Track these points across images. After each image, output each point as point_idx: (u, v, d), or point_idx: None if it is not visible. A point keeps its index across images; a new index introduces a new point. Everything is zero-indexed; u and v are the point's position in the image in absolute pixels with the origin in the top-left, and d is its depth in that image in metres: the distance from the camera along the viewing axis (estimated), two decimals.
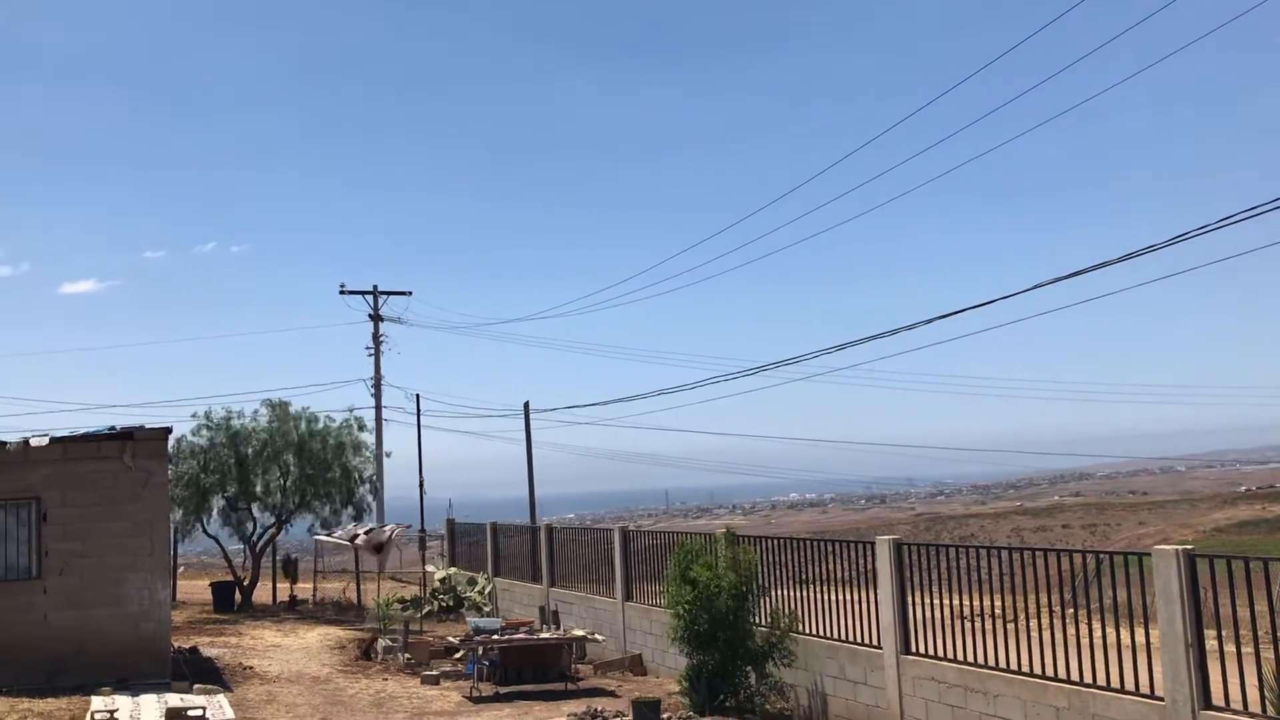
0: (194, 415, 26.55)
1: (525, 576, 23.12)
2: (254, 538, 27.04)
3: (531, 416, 40.06)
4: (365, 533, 23.38)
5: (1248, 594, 8.20)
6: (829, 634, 13.00)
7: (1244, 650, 8.25)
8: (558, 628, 17.32)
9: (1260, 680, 8.15)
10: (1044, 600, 10.21)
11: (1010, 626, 10.47)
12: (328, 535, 25.22)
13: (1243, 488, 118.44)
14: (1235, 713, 8.23)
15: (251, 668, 16.70)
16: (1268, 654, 8.25)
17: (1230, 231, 11.93)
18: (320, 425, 27.11)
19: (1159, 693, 8.80)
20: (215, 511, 26.35)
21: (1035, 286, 15.30)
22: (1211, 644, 8.60)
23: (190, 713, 12.12)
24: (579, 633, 16.83)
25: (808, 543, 14.36)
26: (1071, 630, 9.72)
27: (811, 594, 13.47)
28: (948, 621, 11.20)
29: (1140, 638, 9.06)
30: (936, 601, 11.49)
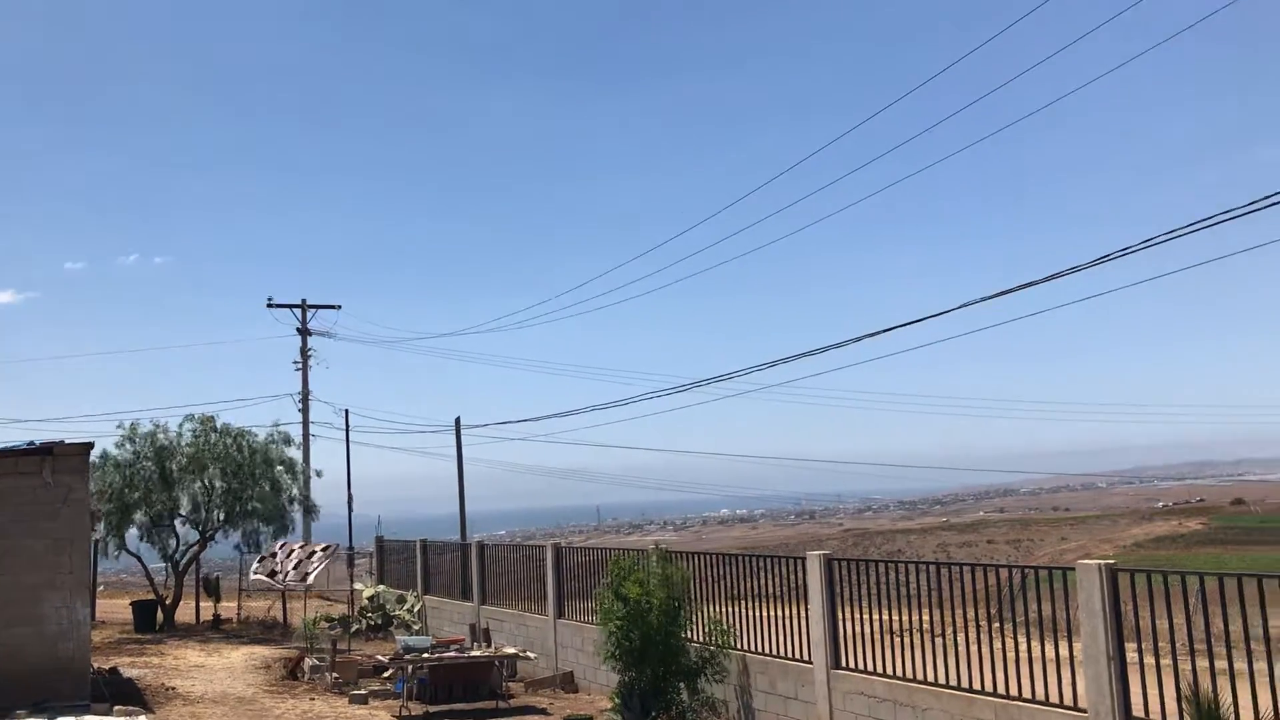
0: (118, 428, 25.93)
1: (456, 594, 22.92)
2: (177, 555, 26.44)
3: (463, 432, 39.81)
4: (294, 568, 22.95)
5: (1166, 608, 8.41)
6: (760, 649, 13.07)
7: (1163, 663, 8.46)
8: (489, 645, 17.18)
9: (1178, 692, 8.35)
10: (971, 614, 10.38)
11: (938, 641, 10.63)
12: (266, 571, 24.71)
13: (1160, 504, 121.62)
14: None
15: (174, 688, 16.32)
16: (1186, 666, 8.47)
17: (1152, 253, 12.27)
18: (248, 440, 26.62)
19: (1082, 705, 8.99)
20: (138, 528, 25.72)
21: (961, 306, 15.61)
22: (1132, 656, 8.81)
23: None
24: (510, 650, 16.72)
25: (739, 558, 14.45)
26: (997, 644, 9.89)
27: (743, 609, 13.54)
28: (877, 636, 11.34)
29: (1064, 651, 9.27)
30: (866, 616, 11.63)
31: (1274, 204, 10.18)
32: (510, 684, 16.50)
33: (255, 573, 24.62)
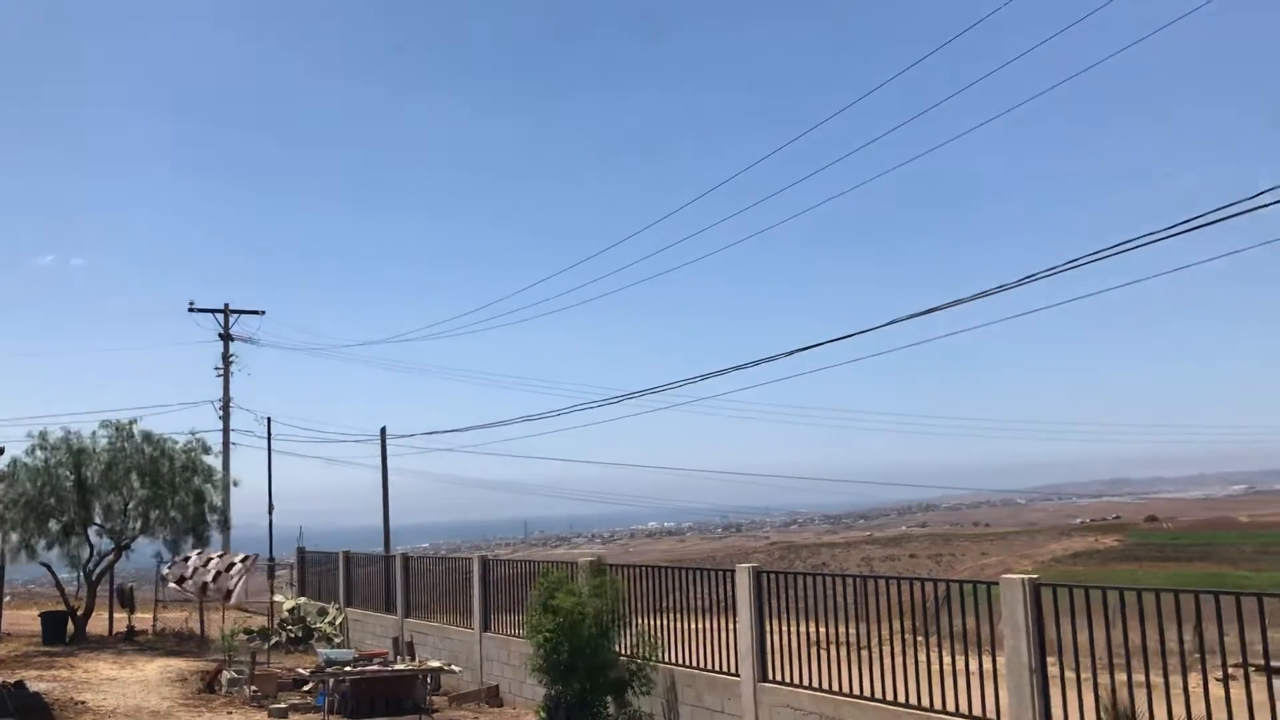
0: (29, 435, 25.16)
1: (379, 607, 22.59)
2: (90, 565, 25.69)
3: (388, 442, 39.35)
4: (213, 579, 22.44)
5: (1087, 622, 8.56)
6: (688, 662, 13.05)
7: (1083, 676, 8.61)
8: (413, 659, 16.95)
9: (1097, 704, 8.51)
10: (895, 627, 10.47)
11: (863, 654, 10.70)
12: (176, 578, 24.09)
13: (1078, 520, 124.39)
14: None
15: (84, 703, 15.82)
16: (1106, 679, 8.62)
17: (1072, 275, 12.53)
18: (167, 447, 25.99)
19: (1004, 717, 9.10)
20: (48, 536, 24.93)
21: (886, 324, 15.79)
22: (1053, 670, 8.95)
23: None
24: (434, 664, 16.50)
25: (670, 570, 14.42)
26: (921, 657, 9.98)
27: (672, 622, 13.51)
28: (804, 649, 11.39)
29: (987, 665, 9.38)
30: (793, 629, 11.67)
31: (1189, 230, 10.45)
32: (434, 698, 16.28)
33: (166, 577, 24.06)
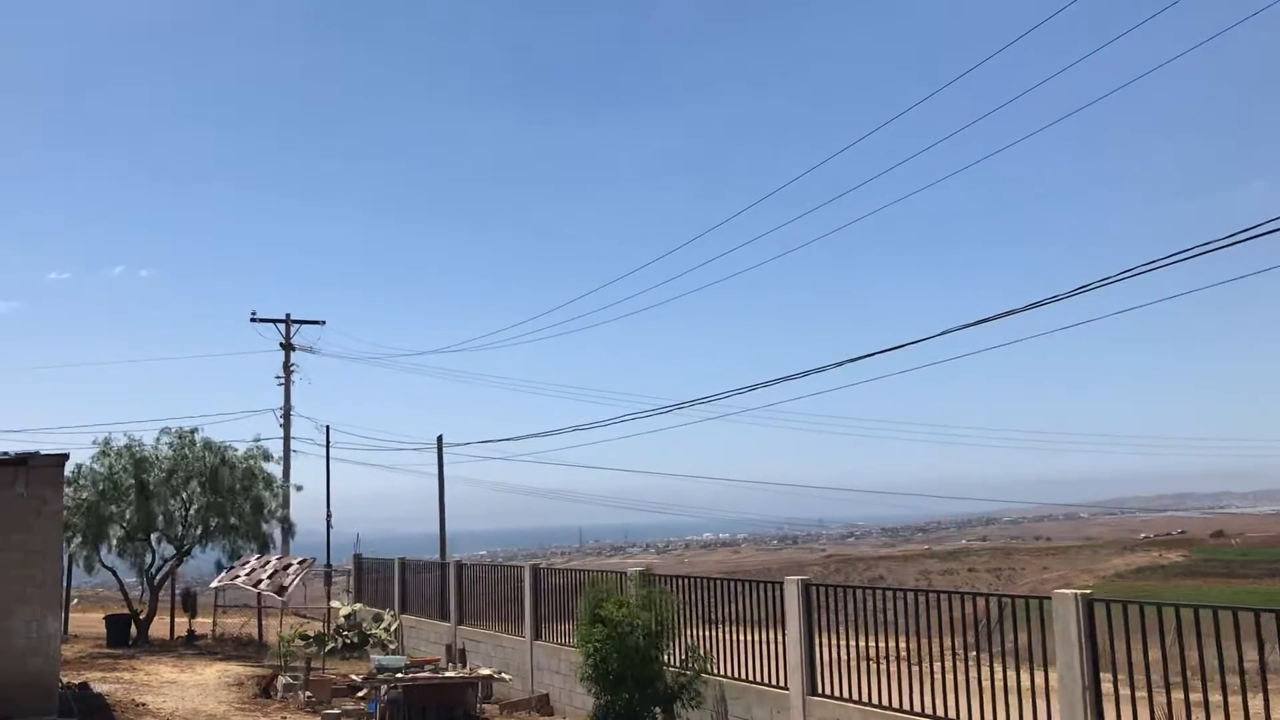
0: (94, 442, 25.73)
1: (433, 614, 22.76)
2: (152, 570, 26.20)
3: (445, 450, 39.68)
4: (269, 577, 22.75)
5: (1142, 639, 8.39)
6: (738, 675, 12.98)
7: (1139, 694, 8.44)
8: (464, 666, 17.05)
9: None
10: (949, 643, 10.33)
11: (916, 669, 10.57)
12: (231, 578, 24.48)
13: (1141, 535, 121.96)
14: None
15: (144, 705, 16.11)
16: (1163, 698, 8.44)
17: (1134, 283, 12.32)
18: (228, 454, 26.46)
19: None
20: (114, 541, 25.48)
21: (942, 333, 15.62)
22: (1108, 687, 8.78)
23: None
24: (485, 671, 16.59)
25: (719, 582, 14.37)
26: (975, 673, 9.84)
27: (721, 634, 13.46)
28: (855, 663, 11.28)
29: (1040, 680, 9.23)
30: (845, 643, 11.56)
31: (1260, 236, 10.23)
32: (485, 706, 16.37)
33: (221, 581, 24.47)
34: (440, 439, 39.75)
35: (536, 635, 17.88)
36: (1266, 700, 7.65)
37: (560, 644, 16.86)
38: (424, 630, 22.83)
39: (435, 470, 39.62)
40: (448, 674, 15.82)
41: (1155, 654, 8.36)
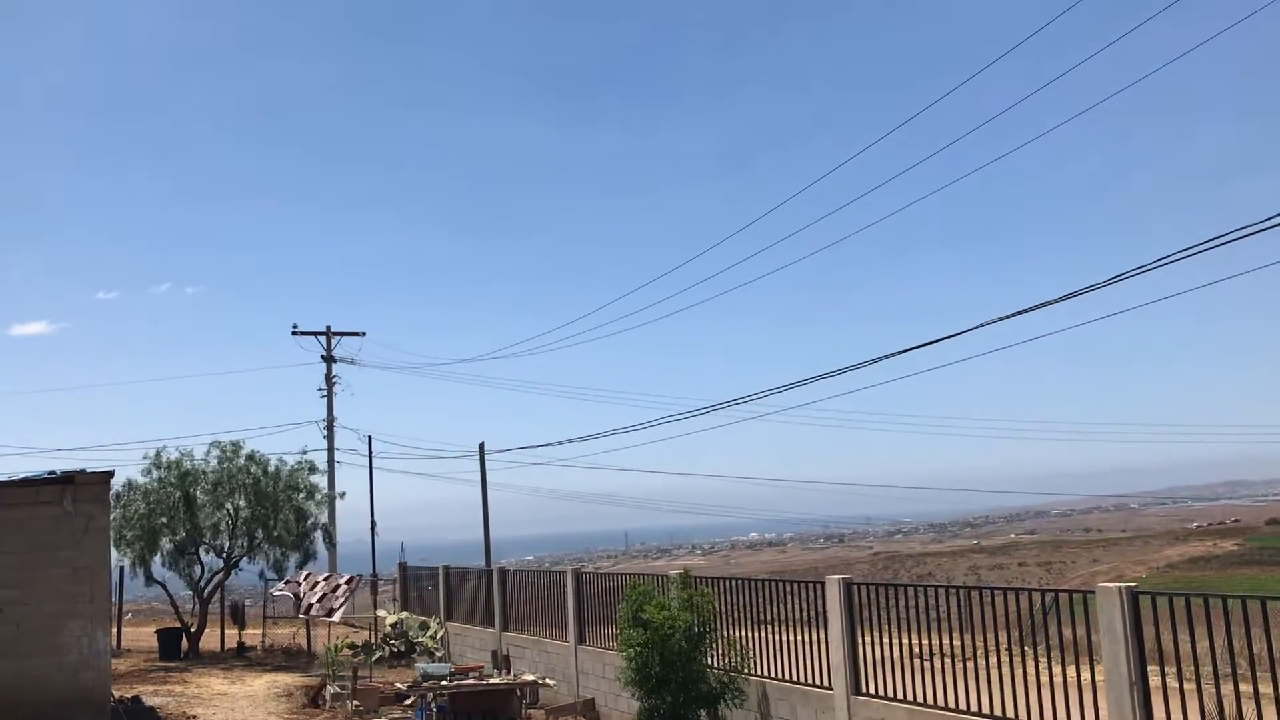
0: (144, 457, 26.11)
1: (478, 620, 22.86)
2: (201, 582, 26.53)
3: (487, 457, 39.86)
4: (318, 600, 22.92)
5: (1189, 631, 8.24)
6: (781, 675, 12.91)
7: (1188, 687, 8.29)
8: (509, 672, 17.09)
9: (1202, 714, 8.17)
10: (998, 639, 10.21)
11: (962, 666, 10.45)
12: (283, 588, 24.70)
13: (1194, 524, 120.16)
14: None
15: (195, 717, 16.32)
16: (1212, 688, 8.28)
17: (1171, 270, 12.13)
18: (272, 467, 26.75)
19: None
20: (163, 555, 25.83)
21: (980, 325, 15.48)
22: (1158, 680, 8.63)
23: None
24: (529, 677, 16.63)
25: (761, 583, 14.31)
26: (1022, 669, 9.71)
27: (765, 635, 13.39)
28: (900, 661, 11.18)
29: (1088, 675, 9.09)
30: (890, 641, 11.46)
31: None
32: (531, 711, 16.40)
33: (280, 590, 24.69)
34: (482, 446, 39.96)
35: (580, 640, 17.89)
36: None
37: (604, 648, 16.87)
38: (469, 637, 22.93)
39: (478, 477, 39.83)
40: (492, 680, 15.87)
41: (1204, 646, 8.20)
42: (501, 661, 18.04)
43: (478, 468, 39.88)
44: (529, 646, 19.70)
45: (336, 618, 22.88)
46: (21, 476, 15.14)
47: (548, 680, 16.53)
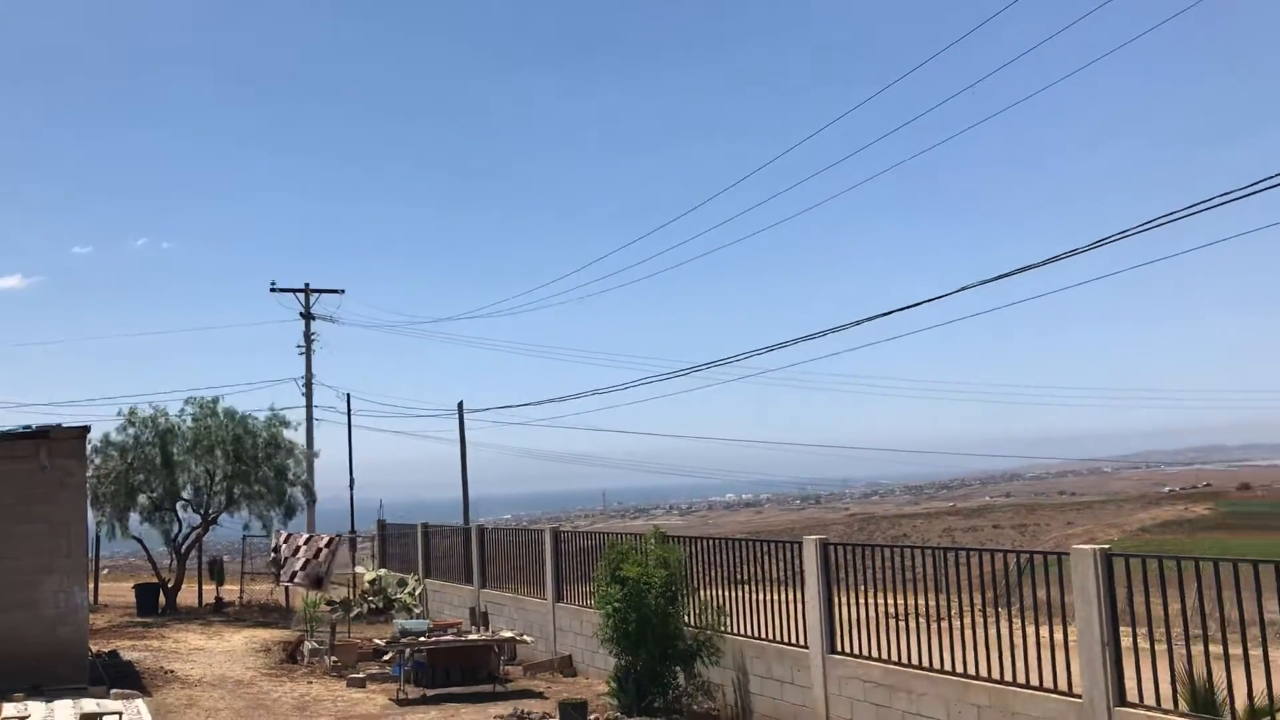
0: (119, 413, 25.95)
1: (456, 578, 22.93)
2: (179, 538, 26.50)
3: (466, 416, 39.85)
4: (302, 568, 22.82)
5: (1161, 592, 8.35)
6: (757, 634, 13.03)
7: (1159, 648, 8.41)
8: (487, 629, 17.18)
9: (1173, 676, 8.30)
10: (971, 600, 10.32)
11: (936, 626, 10.57)
12: (272, 555, 24.60)
13: (1166, 489, 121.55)
14: (1149, 709, 8.37)
15: (173, 671, 16.34)
16: (1182, 649, 8.40)
17: (1151, 236, 12.17)
18: (249, 424, 26.65)
19: (1076, 690, 8.93)
20: (140, 511, 25.76)
21: (960, 289, 15.52)
22: (1129, 641, 8.75)
23: (105, 718, 11.83)
24: (507, 634, 16.71)
25: (737, 543, 14.40)
26: (995, 629, 9.82)
27: (742, 594, 13.50)
28: (876, 621, 11.29)
29: (1060, 636, 9.21)
30: (866, 601, 11.58)
31: (1268, 189, 10.07)
32: (509, 667, 16.50)
33: (269, 566, 24.68)
34: (461, 405, 39.91)
35: (559, 597, 17.98)
36: None
37: (582, 606, 16.97)
38: (448, 594, 23.01)
39: (457, 436, 39.82)
40: (471, 637, 15.95)
41: (1175, 608, 8.31)
42: (479, 618, 18.12)
43: (456, 426, 39.87)
44: (507, 604, 19.79)
45: (324, 588, 22.86)
46: None
47: (525, 637, 16.62)
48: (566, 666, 16.83)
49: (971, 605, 10.17)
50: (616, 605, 13.01)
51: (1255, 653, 8.36)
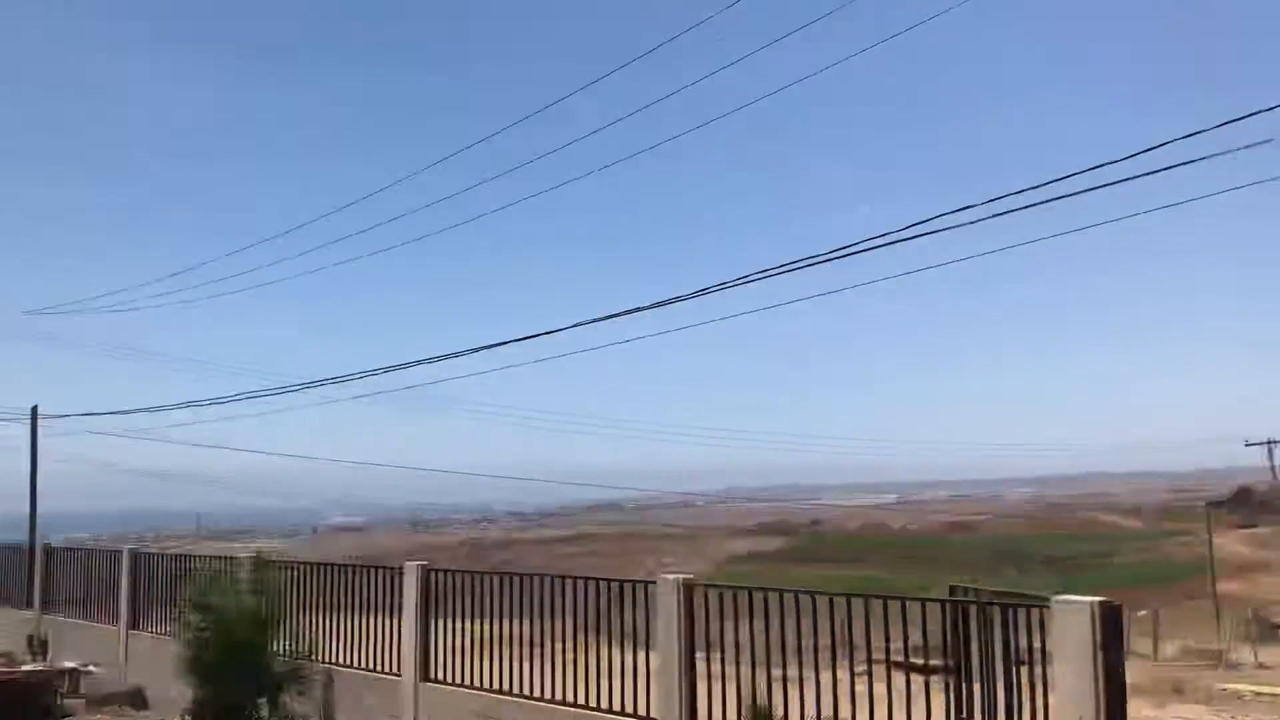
0: None
1: (18, 602, 20.61)
2: None
3: (40, 422, 36.16)
4: None
5: (734, 620, 9.02)
6: (353, 663, 12.71)
7: (729, 671, 9.07)
8: (45, 658, 15.55)
9: (739, 699, 8.96)
10: (566, 627, 10.61)
11: (531, 653, 10.78)
12: None
13: (750, 523, 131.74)
14: None
15: None
16: (758, 675, 9.11)
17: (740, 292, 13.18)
18: None
19: (655, 714, 9.42)
20: None
21: (573, 325, 16.11)
22: (710, 668, 9.36)
23: None
24: (69, 664, 15.22)
25: (338, 568, 14.01)
26: (591, 657, 10.16)
27: (342, 621, 13.11)
28: (473, 648, 11.35)
29: (645, 663, 9.69)
30: (468, 628, 11.60)
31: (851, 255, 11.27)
32: (71, 700, 14.99)
33: None
34: (35, 410, 36.13)
35: (134, 625, 16.65)
36: (835, 674, 8.49)
37: (161, 634, 15.79)
38: (0, 620, 20.61)
39: (29, 445, 35.97)
40: (26, 668, 14.35)
41: (745, 634, 9.01)
42: (39, 647, 16.39)
43: (26, 434, 36.00)
44: (75, 631, 18.03)
45: None
46: None
47: (90, 667, 15.20)
48: (138, 698, 15.54)
49: (563, 633, 10.48)
50: (198, 633, 12.19)
51: (824, 675, 9.22)
